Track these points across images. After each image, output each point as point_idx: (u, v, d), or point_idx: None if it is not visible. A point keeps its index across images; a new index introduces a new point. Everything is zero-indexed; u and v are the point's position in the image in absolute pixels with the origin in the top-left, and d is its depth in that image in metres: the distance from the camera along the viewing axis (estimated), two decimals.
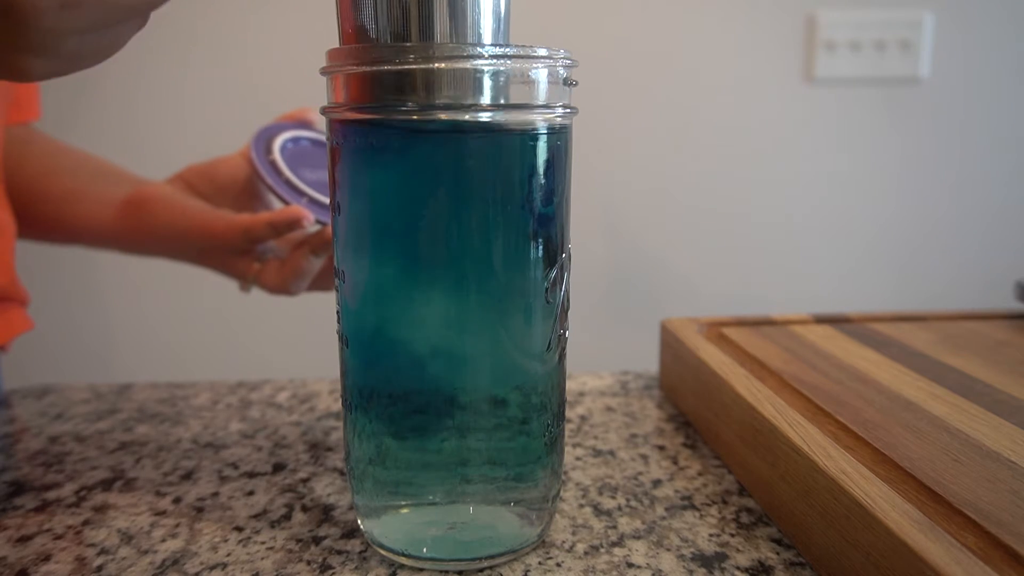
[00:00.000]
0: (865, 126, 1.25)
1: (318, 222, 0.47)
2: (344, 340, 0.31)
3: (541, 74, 0.28)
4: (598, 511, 0.35)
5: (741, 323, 0.51)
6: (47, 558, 0.32)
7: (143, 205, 0.51)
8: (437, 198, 0.28)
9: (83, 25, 0.26)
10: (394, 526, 0.31)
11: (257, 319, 1.22)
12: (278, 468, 0.41)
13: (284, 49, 1.16)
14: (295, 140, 0.52)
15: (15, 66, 0.27)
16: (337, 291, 0.31)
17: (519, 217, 0.28)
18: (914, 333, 0.49)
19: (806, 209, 1.27)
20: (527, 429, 0.30)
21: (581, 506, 0.36)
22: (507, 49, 0.27)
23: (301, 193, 0.49)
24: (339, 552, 0.32)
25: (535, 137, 0.28)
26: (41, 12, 0.25)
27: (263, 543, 0.33)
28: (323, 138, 0.35)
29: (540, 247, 0.29)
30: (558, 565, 0.31)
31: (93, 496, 0.38)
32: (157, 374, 1.08)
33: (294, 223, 0.46)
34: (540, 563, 0.31)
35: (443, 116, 0.27)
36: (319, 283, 0.51)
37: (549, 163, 0.29)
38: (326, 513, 0.36)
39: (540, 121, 0.28)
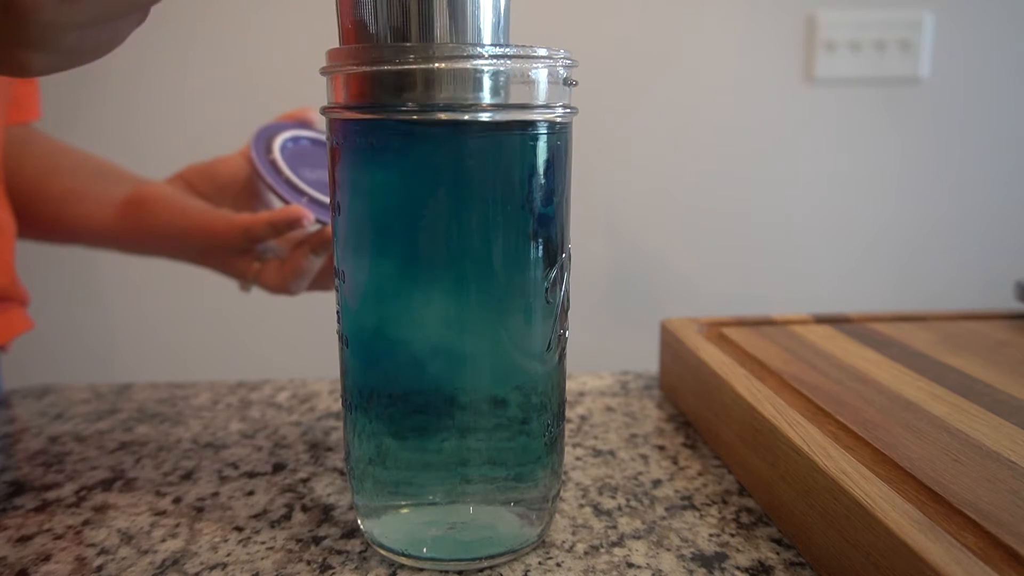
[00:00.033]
0: (865, 126, 1.25)
1: (318, 221, 0.47)
2: (344, 340, 0.31)
3: (541, 74, 0.28)
4: (598, 511, 0.35)
5: (741, 323, 0.51)
6: (47, 558, 0.32)
7: (143, 205, 0.51)
8: (437, 198, 0.28)
9: (83, 20, 0.26)
10: (394, 526, 0.31)
11: (257, 319, 1.22)
12: (278, 468, 0.41)
13: (284, 49, 1.16)
14: (295, 139, 0.52)
15: (15, 61, 0.27)
16: (337, 291, 0.31)
17: (519, 217, 0.28)
18: (914, 333, 0.49)
19: (806, 209, 1.27)
20: (527, 429, 0.30)
21: (581, 506, 0.36)
22: (507, 49, 0.27)
23: (301, 192, 0.49)
24: (339, 552, 0.32)
25: (535, 137, 0.28)
26: (41, 6, 0.24)
27: (263, 543, 0.33)
28: (323, 137, 0.36)
29: (540, 247, 0.29)
30: (558, 565, 0.31)
31: (93, 496, 0.38)
32: (157, 374, 1.08)
33: (294, 222, 0.46)
34: (540, 563, 0.31)
35: (443, 116, 0.27)
36: (319, 282, 0.51)
37: (549, 163, 0.29)
38: (326, 513, 0.36)
39: (540, 121, 0.28)
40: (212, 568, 0.31)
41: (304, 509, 0.36)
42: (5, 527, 0.35)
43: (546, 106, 0.28)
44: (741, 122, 1.24)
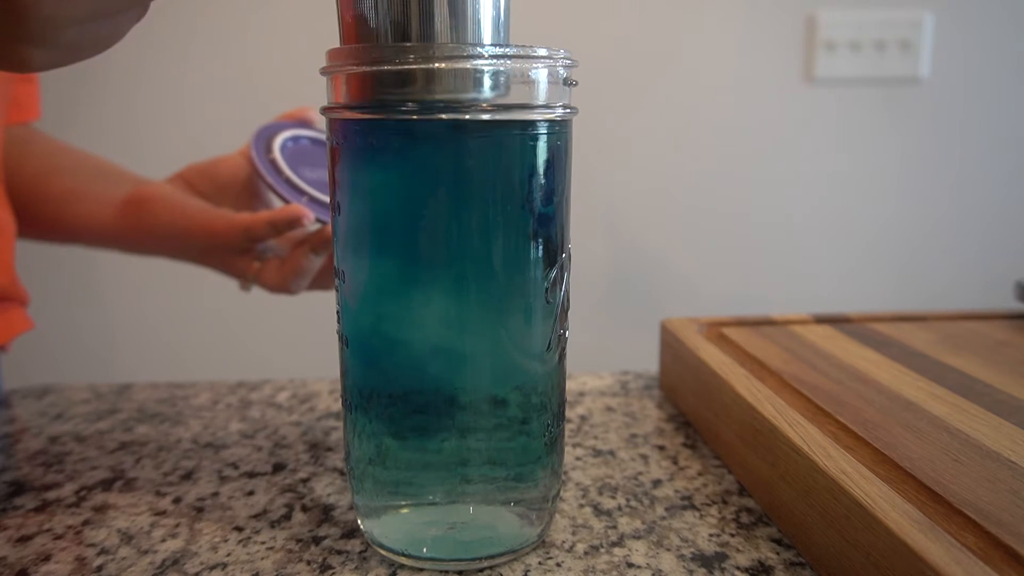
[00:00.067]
0: (865, 126, 1.25)
1: (318, 220, 0.47)
2: (344, 340, 0.31)
3: (541, 74, 0.28)
4: (598, 511, 0.35)
5: (741, 323, 0.51)
6: (47, 558, 0.32)
7: (143, 204, 0.51)
8: (437, 198, 0.28)
9: (83, 14, 0.26)
10: (394, 526, 0.31)
11: (257, 319, 1.22)
12: (278, 468, 0.41)
13: (284, 49, 1.16)
14: (295, 139, 0.52)
15: (15, 56, 0.27)
16: (337, 291, 0.31)
17: (519, 217, 0.28)
18: (914, 333, 0.49)
19: (806, 209, 1.27)
20: (527, 429, 0.30)
21: (581, 506, 0.36)
22: (507, 49, 0.27)
23: (301, 192, 0.49)
24: (339, 552, 0.32)
25: (535, 137, 0.28)
26: (41, 1, 0.24)
27: (263, 543, 0.33)
28: (323, 137, 0.36)
29: (540, 247, 0.29)
30: (558, 565, 0.31)
31: (93, 496, 0.38)
32: (157, 374, 1.08)
33: (294, 221, 0.46)
34: (540, 563, 0.31)
35: (443, 116, 0.27)
36: (319, 282, 0.51)
37: (549, 163, 0.29)
38: (326, 513, 0.36)
39: (540, 121, 0.28)
40: (212, 568, 0.31)
41: (304, 509, 0.36)
42: (5, 527, 0.35)
43: (546, 106, 0.28)
44: (741, 122, 1.24)
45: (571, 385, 0.52)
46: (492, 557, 0.31)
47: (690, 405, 0.46)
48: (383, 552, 0.32)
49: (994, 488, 0.28)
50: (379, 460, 0.30)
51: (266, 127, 0.52)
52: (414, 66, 0.27)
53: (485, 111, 0.27)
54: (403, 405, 0.30)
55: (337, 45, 0.29)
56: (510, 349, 0.29)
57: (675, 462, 0.41)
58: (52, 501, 0.37)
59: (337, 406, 0.49)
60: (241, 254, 0.51)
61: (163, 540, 0.33)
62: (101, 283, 1.25)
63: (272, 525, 0.35)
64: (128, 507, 0.36)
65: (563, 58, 0.29)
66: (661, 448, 0.42)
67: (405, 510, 0.31)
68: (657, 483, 0.38)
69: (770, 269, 1.28)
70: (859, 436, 0.33)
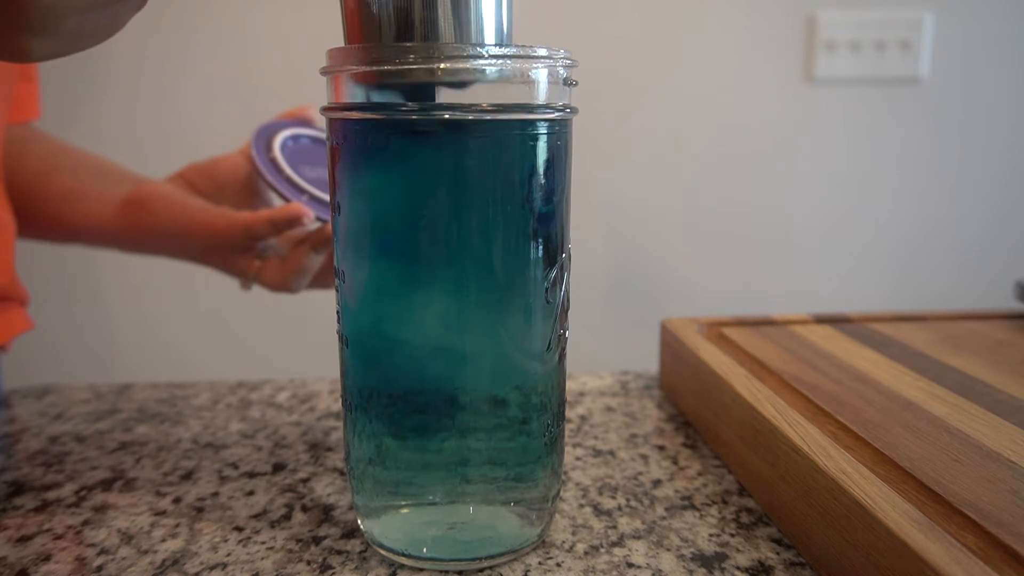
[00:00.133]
0: (865, 126, 1.25)
1: (318, 219, 0.47)
2: (344, 340, 0.31)
3: (541, 74, 0.28)
4: (598, 511, 0.35)
5: (741, 323, 0.51)
6: (47, 558, 0.32)
7: (143, 203, 0.51)
8: (437, 198, 0.28)
9: (82, 4, 0.26)
10: (394, 526, 0.31)
11: (257, 319, 1.22)
12: (278, 468, 0.41)
13: (284, 48, 1.16)
14: (295, 138, 0.52)
15: (14, 46, 0.27)
16: (337, 291, 0.31)
17: (519, 217, 0.28)
18: (914, 333, 0.49)
19: (806, 209, 1.27)
20: (527, 429, 0.30)
21: (581, 506, 0.36)
22: (507, 49, 0.27)
23: (301, 190, 0.49)
24: (339, 552, 0.32)
25: (535, 137, 0.28)
26: None
27: (263, 543, 0.33)
28: (323, 136, 0.36)
29: (540, 247, 0.29)
30: (558, 565, 0.31)
31: (93, 496, 0.38)
32: (157, 374, 1.08)
33: (294, 220, 0.46)
34: (540, 563, 0.31)
35: (443, 116, 0.27)
36: (320, 281, 0.51)
37: (549, 163, 0.29)
38: (326, 513, 0.36)
39: (540, 121, 0.28)
40: (212, 568, 0.31)
41: (304, 509, 0.36)
42: (5, 527, 0.35)
43: (546, 106, 0.28)
44: (741, 122, 1.24)
45: (571, 385, 0.52)
46: (492, 557, 0.31)
47: (690, 405, 0.46)
48: (383, 552, 0.32)
49: (994, 488, 0.28)
50: (379, 460, 0.30)
51: (266, 126, 0.52)
52: (414, 66, 0.27)
53: (485, 111, 0.27)
54: (403, 405, 0.30)
55: (336, 45, 0.29)
56: (510, 349, 0.29)
57: (675, 462, 0.41)
58: (52, 501, 0.37)
59: (337, 406, 0.49)
60: (241, 253, 0.51)
61: (163, 540, 0.33)
62: (101, 283, 1.25)
63: (272, 525, 0.35)
64: (128, 507, 0.36)
65: (563, 58, 0.29)
66: (661, 448, 0.42)
67: (405, 510, 0.31)
68: (657, 483, 0.38)
69: (770, 269, 1.28)
70: (859, 436, 0.33)
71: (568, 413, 0.47)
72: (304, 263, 0.48)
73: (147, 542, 0.33)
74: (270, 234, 0.47)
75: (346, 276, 0.30)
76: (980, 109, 1.25)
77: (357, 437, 0.31)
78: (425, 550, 0.31)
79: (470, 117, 0.27)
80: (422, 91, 0.28)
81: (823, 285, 1.29)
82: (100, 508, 0.36)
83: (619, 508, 0.36)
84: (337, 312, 0.31)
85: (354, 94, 0.29)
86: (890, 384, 0.39)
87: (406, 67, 0.27)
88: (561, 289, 0.30)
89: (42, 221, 0.56)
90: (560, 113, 0.29)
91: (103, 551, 0.33)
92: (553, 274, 0.30)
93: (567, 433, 0.44)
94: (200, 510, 0.36)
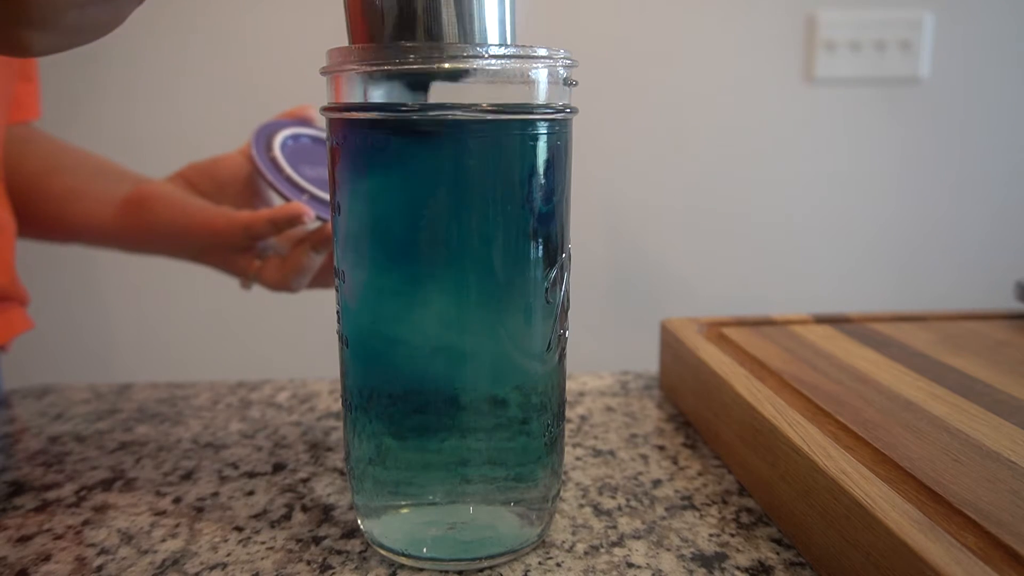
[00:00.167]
0: (865, 126, 1.25)
1: (318, 219, 0.47)
2: (344, 340, 0.31)
3: (541, 74, 0.28)
4: (598, 511, 0.35)
5: (741, 323, 0.51)
6: (47, 558, 0.32)
7: (144, 203, 0.51)
8: (437, 198, 0.28)
9: None
10: (394, 526, 0.31)
11: (257, 319, 1.22)
12: (278, 468, 0.41)
13: (284, 48, 1.16)
14: (295, 137, 0.52)
15: (15, 40, 0.27)
16: (337, 291, 0.31)
17: (519, 217, 0.28)
18: (914, 333, 0.49)
19: (806, 209, 1.27)
20: (527, 429, 0.30)
21: (581, 506, 0.36)
22: (507, 49, 0.27)
23: (302, 190, 0.49)
24: (339, 552, 0.32)
25: (535, 137, 0.28)
26: None
27: (263, 543, 0.33)
28: (323, 135, 0.36)
29: (540, 247, 0.29)
30: (558, 565, 0.31)
31: (93, 496, 0.38)
32: (157, 374, 1.08)
33: (294, 219, 0.46)
34: (540, 563, 0.31)
35: (443, 116, 0.27)
36: (320, 280, 0.51)
37: (549, 163, 0.29)
38: (326, 513, 0.36)
39: (540, 121, 0.28)
40: (212, 568, 0.31)
41: (304, 509, 0.36)
42: (5, 527, 0.35)
43: (546, 106, 0.28)
44: (741, 122, 1.24)
45: (571, 385, 0.52)
46: (492, 557, 0.31)
47: (690, 405, 0.46)
48: (383, 552, 0.32)
49: (994, 488, 0.28)
50: (379, 460, 0.30)
51: (266, 125, 0.52)
52: (414, 66, 0.27)
53: (485, 111, 0.27)
54: (403, 405, 0.30)
55: (336, 45, 0.29)
56: (510, 349, 0.29)
57: (675, 462, 0.41)
58: (52, 501, 0.37)
59: (337, 406, 0.49)
60: (242, 252, 0.51)
61: (163, 540, 0.33)
62: (101, 283, 1.25)
63: (272, 525, 0.35)
64: (128, 507, 0.36)
65: (563, 58, 0.29)
66: (661, 448, 0.42)
67: (405, 510, 0.31)
68: (657, 483, 0.38)
69: (770, 269, 1.28)
70: (859, 436, 0.33)
71: (568, 413, 0.47)
72: (304, 262, 0.48)
73: (147, 542, 0.33)
74: (270, 233, 0.47)
75: (346, 276, 0.30)
76: (980, 109, 1.25)
77: (357, 437, 0.31)
78: (425, 550, 0.31)
79: (470, 117, 0.27)
80: (420, 80, 0.28)
81: (823, 285, 1.29)
82: (100, 508, 0.36)
83: (619, 508, 0.36)
84: (337, 312, 0.31)
85: (354, 94, 0.29)
86: (890, 384, 0.39)
87: (406, 67, 0.27)
88: (561, 289, 0.30)
89: (42, 221, 0.56)
90: (560, 113, 0.29)
91: (103, 551, 0.33)
92: (553, 274, 0.30)
93: (567, 433, 0.44)
94: (200, 510, 0.36)
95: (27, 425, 0.47)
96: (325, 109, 0.29)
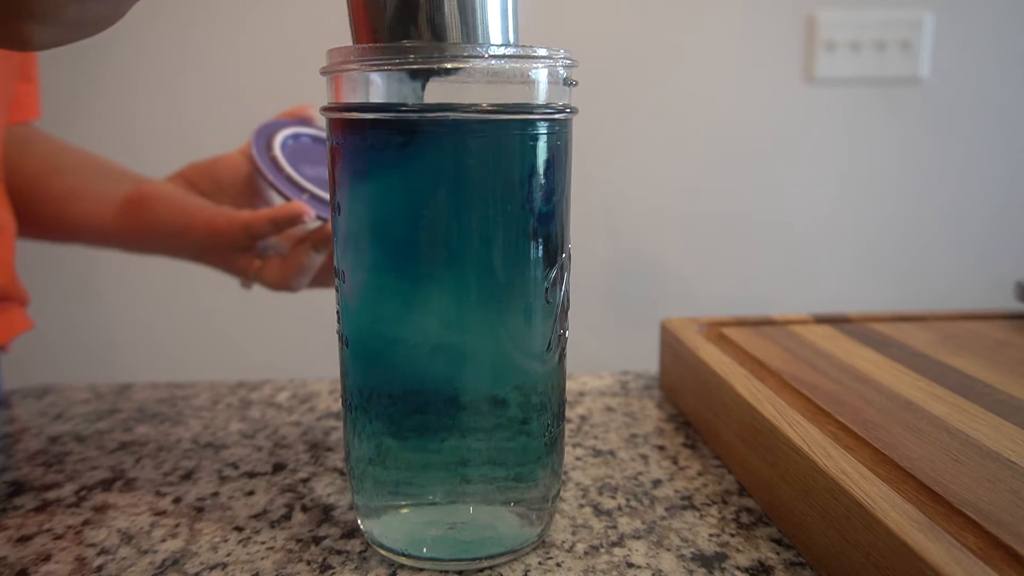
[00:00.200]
0: (865, 126, 1.25)
1: (319, 218, 0.47)
2: (344, 340, 0.31)
3: (541, 74, 0.28)
4: (598, 511, 0.35)
5: (741, 323, 0.51)
6: (47, 558, 0.32)
7: (144, 203, 0.51)
8: (437, 198, 0.28)
9: None
10: (394, 526, 0.31)
11: (257, 319, 1.22)
12: (278, 468, 0.41)
13: (284, 48, 1.16)
14: (295, 136, 0.52)
15: (16, 33, 0.27)
16: (337, 291, 0.31)
17: (519, 217, 0.28)
18: (914, 333, 0.49)
19: (806, 209, 1.27)
20: (527, 429, 0.30)
21: (581, 506, 0.36)
22: (507, 49, 0.27)
23: (302, 189, 0.49)
24: (339, 552, 0.32)
25: (535, 137, 0.28)
26: None
27: (263, 543, 0.33)
28: (323, 135, 0.36)
29: (540, 247, 0.29)
30: (558, 565, 0.31)
31: (93, 496, 0.38)
32: (157, 374, 1.08)
33: (295, 219, 0.46)
34: (540, 563, 0.31)
35: (443, 116, 0.27)
36: (320, 279, 0.51)
37: (549, 163, 0.29)
38: (326, 513, 0.36)
39: (540, 121, 0.28)
40: (212, 568, 0.31)
41: (304, 509, 0.36)
42: (5, 527, 0.35)
43: (546, 106, 0.28)
44: (741, 122, 1.24)
45: (571, 385, 0.52)
46: (492, 557, 0.31)
47: (690, 405, 0.46)
48: (383, 552, 0.32)
49: (994, 488, 0.28)
50: (379, 460, 0.30)
51: (266, 125, 0.52)
52: (414, 67, 0.27)
53: (485, 111, 0.27)
54: (403, 405, 0.30)
55: (336, 44, 0.29)
56: (510, 349, 0.29)
57: (675, 462, 0.41)
58: (52, 501, 0.37)
59: (337, 406, 0.49)
60: (242, 252, 0.51)
61: (163, 540, 0.33)
62: (101, 283, 1.25)
63: (272, 525, 0.35)
64: (128, 507, 0.36)
65: (563, 58, 0.29)
66: (661, 448, 0.42)
67: (405, 510, 0.31)
68: (657, 483, 0.38)
69: (770, 269, 1.28)
70: (859, 436, 0.33)
71: (568, 413, 0.47)
72: (305, 262, 0.48)
73: (147, 542, 0.33)
74: (271, 233, 0.47)
75: (346, 276, 0.30)
76: (980, 109, 1.25)
77: (357, 437, 0.31)
78: (425, 550, 0.31)
79: (470, 117, 0.27)
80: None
81: (823, 285, 1.29)
82: (100, 508, 0.36)
83: (619, 508, 0.36)
84: (337, 312, 0.31)
85: (354, 94, 0.29)
86: (890, 384, 0.39)
87: (406, 68, 0.27)
88: (561, 289, 0.30)
89: (42, 221, 0.56)
90: (560, 113, 0.29)
91: (103, 551, 0.33)
92: (553, 274, 0.30)
93: (567, 433, 0.44)
94: (200, 510, 0.36)
95: (27, 425, 0.47)
96: (325, 109, 0.29)
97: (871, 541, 0.26)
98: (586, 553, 0.32)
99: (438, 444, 0.29)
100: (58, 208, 0.54)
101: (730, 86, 1.23)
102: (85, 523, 0.35)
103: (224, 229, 0.48)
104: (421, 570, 0.31)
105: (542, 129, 0.28)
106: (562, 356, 0.31)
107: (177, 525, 0.35)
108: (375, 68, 0.27)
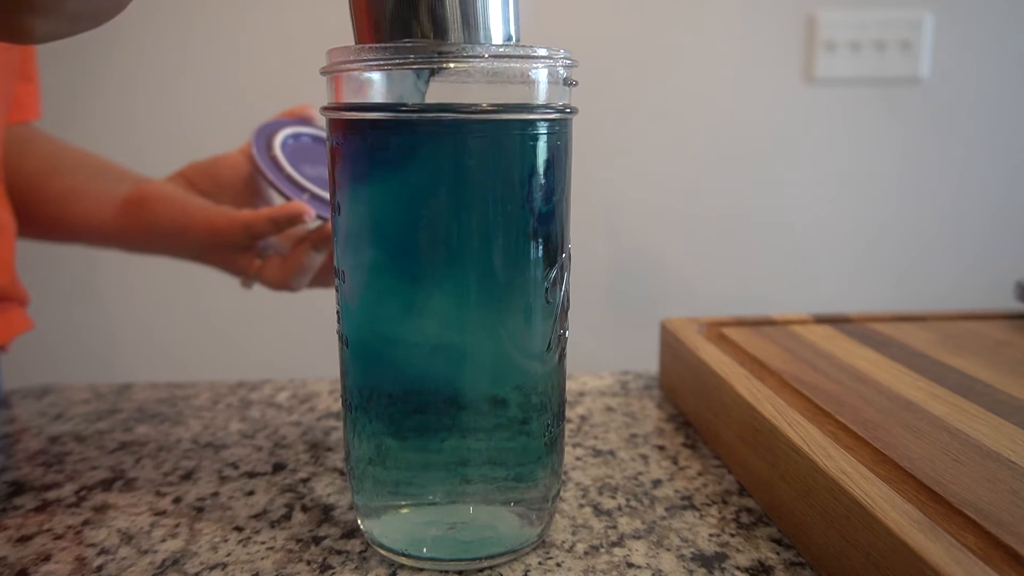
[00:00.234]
0: (865, 126, 1.25)
1: (319, 217, 0.47)
2: (344, 340, 0.31)
3: (541, 74, 0.28)
4: (598, 511, 0.35)
5: (741, 323, 0.51)
6: (47, 558, 0.32)
7: (144, 203, 0.51)
8: (437, 198, 0.28)
9: None
10: (394, 526, 0.31)
11: (257, 319, 1.22)
12: (278, 468, 0.41)
13: (284, 48, 1.16)
14: (296, 136, 0.52)
15: (17, 26, 0.27)
16: (337, 291, 0.31)
17: (519, 217, 0.28)
18: (914, 333, 0.49)
19: (806, 209, 1.27)
20: (527, 429, 0.30)
21: (581, 506, 0.36)
22: (507, 49, 0.27)
23: (302, 189, 0.49)
24: (339, 552, 0.32)
25: (535, 137, 0.28)
26: None
27: (263, 543, 0.33)
28: (323, 134, 0.36)
29: (540, 247, 0.29)
30: (558, 565, 0.31)
31: (93, 496, 0.38)
32: (157, 374, 1.08)
33: (295, 218, 0.46)
34: (540, 563, 0.31)
35: (443, 116, 0.27)
36: (320, 279, 0.51)
37: (549, 163, 0.29)
38: (326, 513, 0.36)
39: (540, 121, 0.28)
40: (212, 568, 0.31)
41: (304, 509, 0.36)
42: (5, 527, 0.35)
43: (546, 106, 0.28)
44: (741, 122, 1.24)
45: (571, 385, 0.52)
46: (492, 557, 0.31)
47: (690, 405, 0.46)
48: (383, 552, 0.32)
49: (994, 488, 0.28)
50: (379, 460, 0.30)
51: (267, 124, 0.52)
52: (414, 67, 0.27)
53: (485, 111, 0.27)
54: (403, 405, 0.30)
55: (336, 44, 0.29)
56: (510, 349, 0.29)
57: (675, 462, 0.41)
58: (52, 501, 0.37)
59: (337, 406, 0.49)
60: (242, 251, 0.51)
61: (163, 540, 0.33)
62: (101, 283, 1.25)
63: (272, 525, 0.35)
64: (128, 507, 0.36)
65: (563, 58, 0.29)
66: (661, 448, 0.42)
67: (405, 510, 0.31)
68: (657, 483, 0.38)
69: (770, 269, 1.28)
70: (859, 436, 0.33)
71: (568, 413, 0.47)
72: (305, 261, 0.48)
73: (147, 542, 0.33)
74: (271, 232, 0.47)
75: (346, 276, 0.30)
76: (980, 109, 1.25)
77: (357, 437, 0.31)
78: (425, 550, 0.31)
79: (470, 117, 0.27)
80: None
81: (823, 285, 1.29)
82: (100, 508, 0.36)
83: (619, 508, 0.36)
84: (337, 312, 0.31)
85: (354, 94, 0.29)
86: (890, 384, 0.39)
87: (406, 68, 0.27)
88: (561, 289, 0.30)
89: (42, 221, 0.56)
90: (560, 113, 0.29)
91: (103, 551, 0.33)
92: (553, 274, 0.30)
93: (567, 433, 0.44)
94: (200, 510, 0.36)
95: (27, 425, 0.47)
96: (325, 109, 0.30)
97: (871, 541, 0.26)
98: (586, 553, 0.32)
99: (438, 444, 0.29)
100: (58, 208, 0.54)
101: (730, 86, 1.23)
102: (85, 523, 0.35)
103: (224, 229, 0.48)
104: (421, 570, 0.31)
105: (542, 129, 0.28)
106: (562, 356, 0.31)
107: (177, 525, 0.35)
108: (375, 68, 0.27)
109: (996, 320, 0.52)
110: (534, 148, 0.28)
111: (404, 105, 0.27)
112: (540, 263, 0.29)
